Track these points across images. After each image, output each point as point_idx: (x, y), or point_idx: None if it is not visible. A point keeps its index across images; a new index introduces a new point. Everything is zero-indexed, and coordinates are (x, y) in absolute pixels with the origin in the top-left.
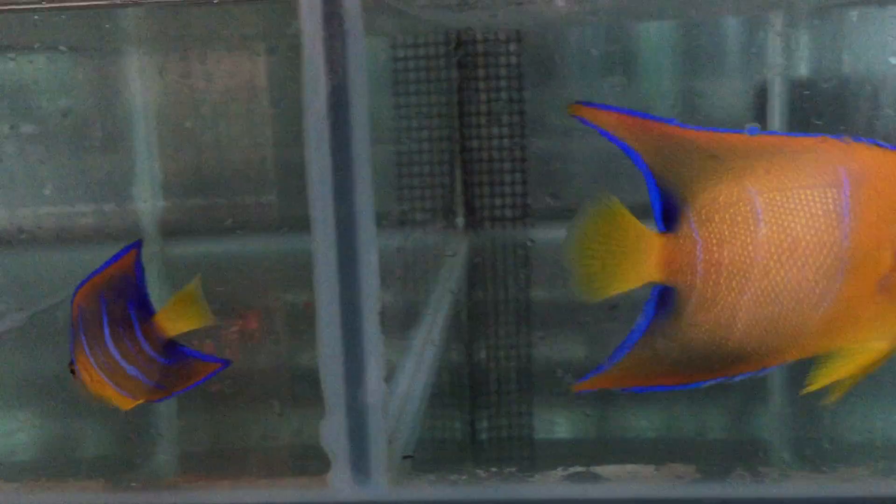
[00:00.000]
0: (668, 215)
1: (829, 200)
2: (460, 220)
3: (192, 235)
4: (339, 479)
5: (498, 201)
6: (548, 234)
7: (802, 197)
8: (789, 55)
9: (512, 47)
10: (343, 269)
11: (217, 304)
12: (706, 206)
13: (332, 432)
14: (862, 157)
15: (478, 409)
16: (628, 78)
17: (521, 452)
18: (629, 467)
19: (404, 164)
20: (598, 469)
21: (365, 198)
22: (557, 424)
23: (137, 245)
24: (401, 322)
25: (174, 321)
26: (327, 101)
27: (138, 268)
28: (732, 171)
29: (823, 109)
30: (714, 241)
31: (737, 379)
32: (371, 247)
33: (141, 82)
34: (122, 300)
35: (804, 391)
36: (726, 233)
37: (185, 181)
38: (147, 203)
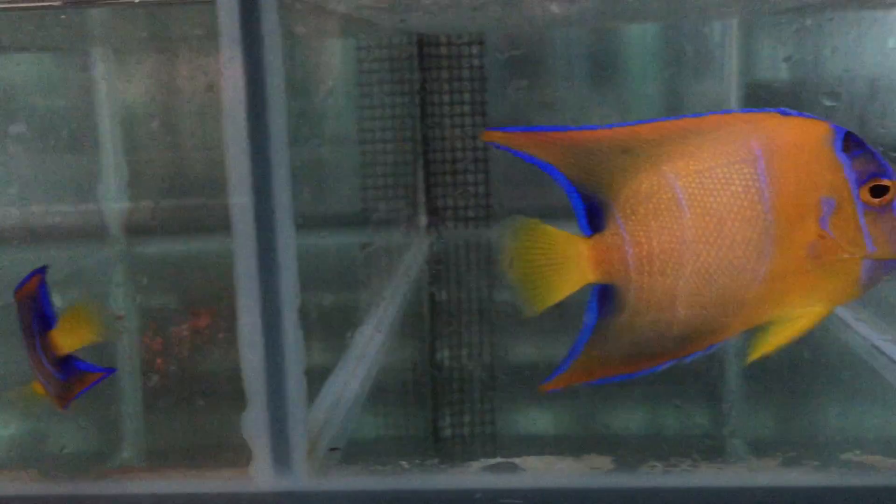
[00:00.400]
0: (596, 218)
1: (747, 176)
2: (422, 220)
3: (157, 235)
4: (260, 470)
5: (461, 201)
6: None
7: (720, 176)
8: (748, 58)
9: (475, 50)
10: (262, 266)
11: (174, 301)
12: (629, 201)
13: (253, 425)
14: (771, 129)
15: (440, 406)
16: (592, 80)
17: (470, 447)
18: (548, 458)
19: (368, 164)
20: (518, 460)
21: (283, 196)
22: (519, 421)
23: (41, 270)
24: (347, 320)
25: (66, 338)
26: (246, 102)
27: (42, 288)
28: (648, 161)
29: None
30: (641, 233)
31: (689, 359)
32: (289, 244)
33: (106, 82)
34: (28, 316)
35: (748, 360)
36: (652, 223)
37: (151, 181)
38: (112, 202)
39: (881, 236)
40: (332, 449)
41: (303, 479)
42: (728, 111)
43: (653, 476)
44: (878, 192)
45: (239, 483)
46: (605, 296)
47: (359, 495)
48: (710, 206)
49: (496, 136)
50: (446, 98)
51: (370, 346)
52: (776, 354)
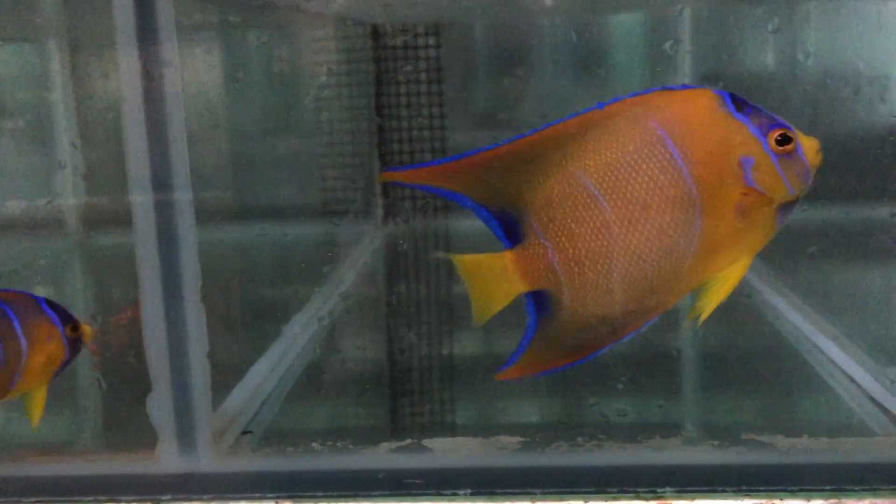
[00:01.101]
0: (513, 231)
1: (660, 157)
2: (378, 212)
3: (114, 227)
4: (166, 451)
5: (419, 192)
6: (467, 225)
7: (632, 163)
8: (702, 48)
9: (430, 40)
10: (163, 252)
11: (118, 292)
12: (544, 209)
13: (158, 407)
14: (664, 106)
15: (398, 397)
16: (544, 71)
17: (394, 432)
18: (458, 439)
19: (325, 156)
20: (427, 441)
21: (183, 189)
22: (474, 413)
23: None
24: (289, 310)
25: None
26: (142, 97)
27: None
28: (555, 165)
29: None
30: (564, 238)
31: (626, 338)
32: (189, 229)
33: (62, 74)
34: None
35: (700, 322)
36: (573, 226)
37: (108, 174)
38: (69, 195)
39: (794, 178)
40: (245, 432)
41: (208, 460)
42: (614, 99)
43: (557, 455)
44: (785, 139)
45: (145, 464)
46: (539, 299)
47: (264, 476)
48: (631, 194)
49: (395, 176)
50: (402, 89)
51: (304, 335)
52: (700, 340)
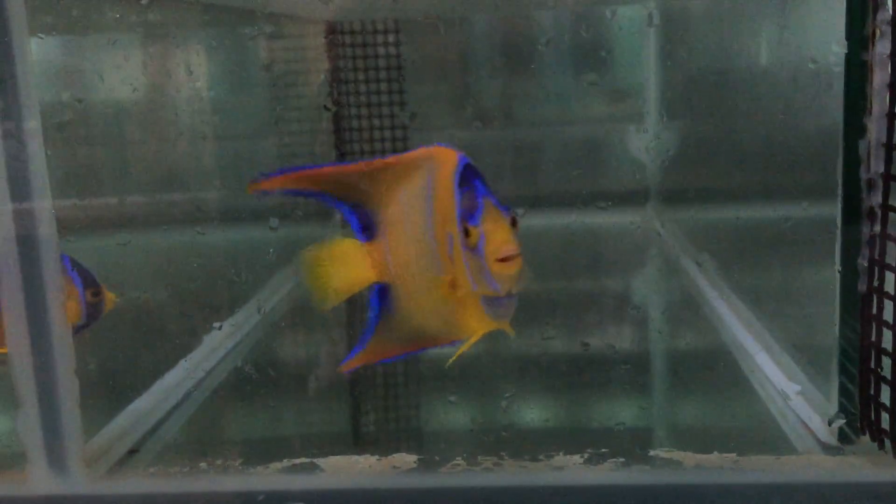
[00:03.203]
0: (370, 227)
1: (424, 205)
2: (338, 214)
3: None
4: (36, 473)
5: None
6: None
7: (414, 201)
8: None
9: (391, 38)
10: (25, 267)
11: None
12: (385, 212)
13: (26, 426)
14: (436, 158)
15: (363, 405)
16: (509, 71)
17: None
18: (353, 458)
19: (284, 156)
20: (321, 461)
21: (43, 198)
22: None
23: None
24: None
25: None
26: None
27: None
28: (396, 180)
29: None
30: (392, 241)
31: (445, 347)
32: (51, 244)
33: None
34: None
35: (448, 364)
36: (397, 233)
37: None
38: None
39: (477, 274)
40: (132, 451)
41: (80, 482)
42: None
43: (453, 475)
44: (465, 232)
45: (14, 486)
46: (383, 295)
47: (137, 498)
48: (409, 227)
49: (261, 185)
50: (362, 87)
51: (226, 343)
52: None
